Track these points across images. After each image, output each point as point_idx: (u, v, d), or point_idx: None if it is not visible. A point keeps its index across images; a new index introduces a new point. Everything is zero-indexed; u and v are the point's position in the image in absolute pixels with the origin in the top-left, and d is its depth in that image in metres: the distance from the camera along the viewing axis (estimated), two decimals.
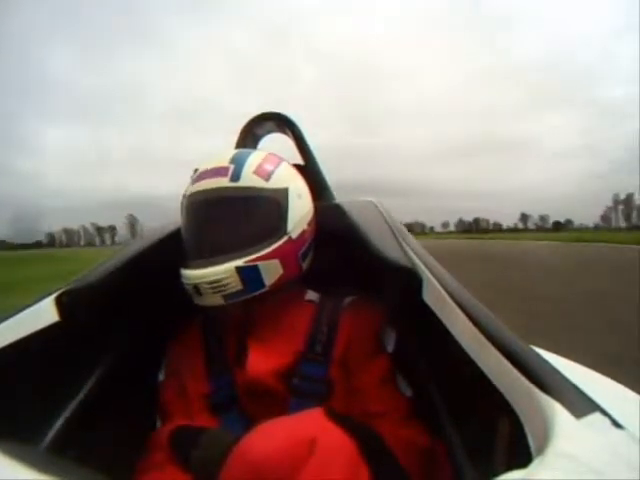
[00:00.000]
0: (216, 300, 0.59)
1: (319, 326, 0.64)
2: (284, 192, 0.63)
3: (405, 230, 0.79)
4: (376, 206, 0.89)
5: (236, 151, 0.67)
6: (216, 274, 0.57)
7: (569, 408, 0.33)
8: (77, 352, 0.67)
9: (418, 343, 0.70)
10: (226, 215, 0.61)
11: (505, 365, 0.41)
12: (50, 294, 0.64)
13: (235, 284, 0.58)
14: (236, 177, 0.60)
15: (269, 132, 1.08)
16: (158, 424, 0.67)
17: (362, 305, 0.68)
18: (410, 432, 0.57)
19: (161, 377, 0.70)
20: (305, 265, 0.68)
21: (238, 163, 0.62)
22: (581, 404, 0.34)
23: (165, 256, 0.69)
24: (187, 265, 0.60)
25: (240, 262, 0.58)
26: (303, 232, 0.65)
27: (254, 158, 0.64)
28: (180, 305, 0.70)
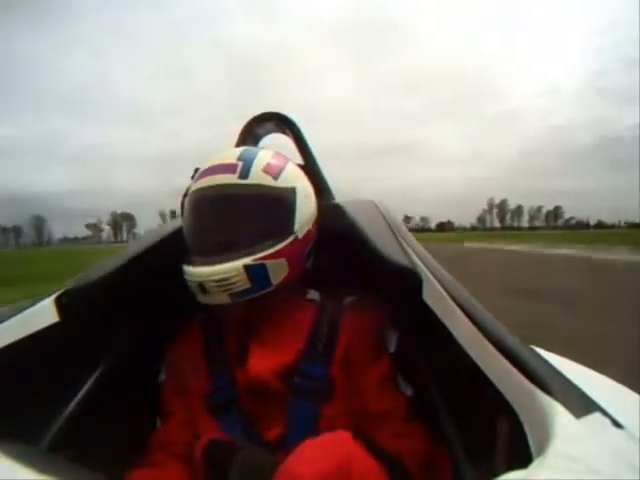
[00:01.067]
0: (222, 298, 0.58)
1: (320, 325, 0.64)
2: (292, 191, 0.63)
3: (405, 230, 0.79)
4: (376, 206, 0.89)
5: (243, 149, 0.66)
6: (224, 272, 0.57)
7: (569, 408, 0.33)
8: (77, 352, 0.67)
9: (418, 343, 0.70)
10: (234, 212, 0.60)
11: (505, 365, 0.41)
12: (50, 294, 0.64)
13: (242, 282, 0.57)
14: (245, 174, 0.60)
15: (269, 132, 1.08)
16: (158, 424, 0.67)
17: (363, 305, 0.68)
18: (410, 433, 0.57)
19: (162, 377, 0.70)
20: (308, 265, 0.68)
21: (246, 160, 0.61)
22: (581, 404, 0.34)
23: (165, 256, 0.69)
24: (192, 262, 0.60)
25: (248, 260, 0.57)
26: (308, 232, 0.65)
27: (262, 156, 0.63)
28: (180, 305, 0.70)
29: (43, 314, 0.61)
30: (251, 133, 1.02)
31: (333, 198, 0.98)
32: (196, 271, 0.58)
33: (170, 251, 0.67)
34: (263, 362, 0.61)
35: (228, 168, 0.61)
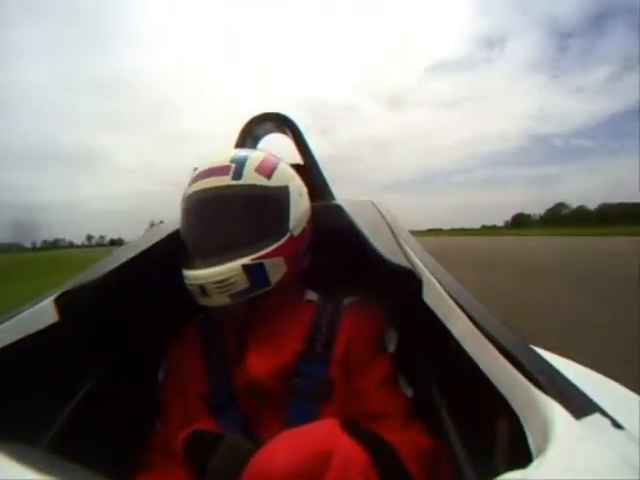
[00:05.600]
0: (222, 300, 0.59)
1: (319, 326, 0.64)
2: (285, 190, 0.64)
3: (405, 230, 0.79)
4: (376, 206, 0.89)
5: (235, 151, 0.67)
6: (223, 273, 0.57)
7: (569, 408, 0.33)
8: (77, 352, 0.67)
9: (418, 343, 0.70)
10: (229, 213, 0.60)
11: (505, 365, 0.41)
12: (50, 295, 0.64)
13: (242, 282, 0.58)
14: (238, 175, 0.61)
15: (268, 132, 1.08)
16: (157, 425, 0.67)
17: (363, 306, 0.68)
18: (411, 433, 0.57)
19: (160, 377, 0.70)
20: (305, 263, 0.68)
21: (239, 162, 0.62)
22: (581, 404, 0.34)
23: (165, 257, 0.69)
24: (190, 265, 0.60)
25: (247, 260, 0.58)
26: (304, 230, 0.65)
27: (254, 157, 0.64)
28: (180, 305, 0.70)
29: (43, 314, 0.61)
30: (250, 133, 1.02)
31: (333, 198, 0.98)
32: (195, 274, 0.58)
33: (169, 252, 0.67)
34: (261, 363, 0.61)
35: (221, 170, 0.61)
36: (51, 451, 0.58)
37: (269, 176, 0.63)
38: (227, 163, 0.62)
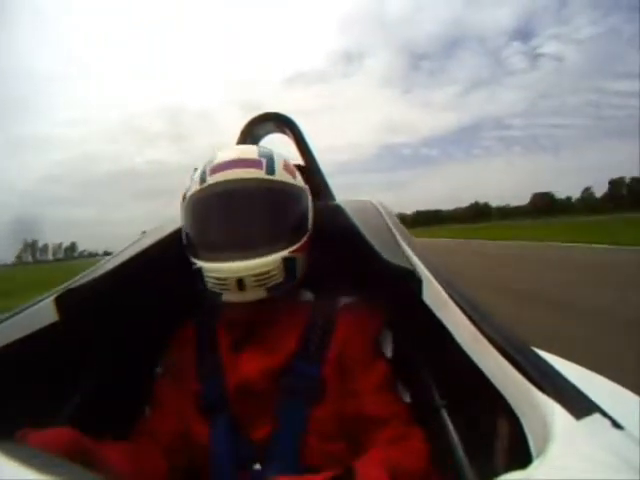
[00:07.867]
0: (259, 293, 0.57)
1: (314, 326, 0.63)
2: (306, 191, 0.66)
3: (405, 230, 0.79)
4: (376, 206, 0.89)
5: (258, 146, 0.68)
6: (266, 265, 0.56)
7: (569, 409, 0.33)
8: (76, 352, 0.67)
9: (418, 344, 0.69)
10: (268, 206, 0.60)
11: (505, 366, 0.41)
12: (50, 294, 0.64)
13: (279, 276, 0.57)
14: (271, 171, 0.60)
15: (269, 133, 1.08)
16: (147, 410, 0.66)
17: (360, 307, 0.67)
18: (408, 442, 0.56)
19: (158, 372, 0.70)
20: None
21: (268, 157, 0.62)
22: (581, 405, 0.34)
23: (163, 257, 0.69)
24: (216, 258, 0.57)
25: (286, 253, 0.58)
26: (313, 230, 0.67)
27: (278, 155, 0.65)
28: (178, 305, 0.70)
29: (43, 314, 0.61)
30: (250, 134, 1.02)
31: (333, 198, 0.98)
32: (234, 266, 0.55)
33: (168, 252, 0.67)
34: (254, 364, 0.60)
35: (252, 163, 0.60)
36: None
37: (294, 176, 0.64)
38: (256, 157, 0.61)
